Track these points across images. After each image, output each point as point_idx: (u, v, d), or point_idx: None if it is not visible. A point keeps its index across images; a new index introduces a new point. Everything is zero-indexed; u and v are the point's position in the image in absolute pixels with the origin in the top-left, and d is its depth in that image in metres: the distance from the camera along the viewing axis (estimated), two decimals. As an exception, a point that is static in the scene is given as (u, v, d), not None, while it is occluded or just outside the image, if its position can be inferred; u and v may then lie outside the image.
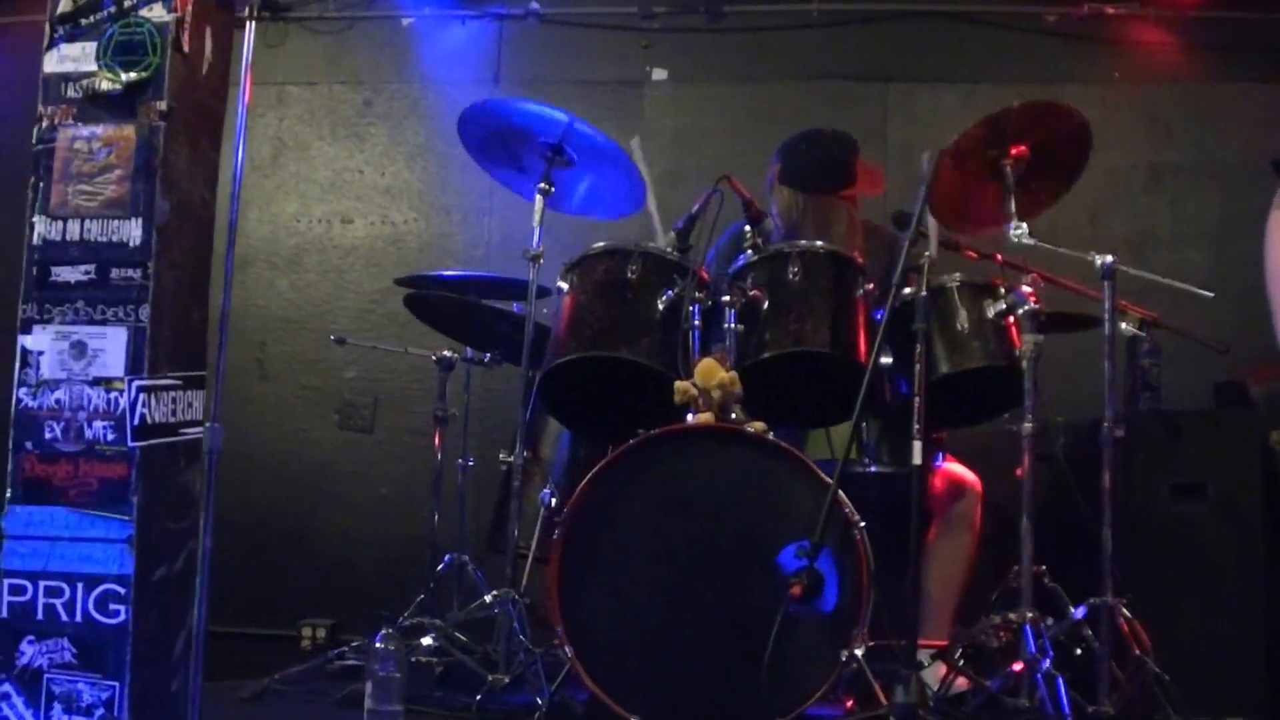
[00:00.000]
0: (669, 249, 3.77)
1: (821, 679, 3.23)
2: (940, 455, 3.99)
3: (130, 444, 2.75)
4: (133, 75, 2.79)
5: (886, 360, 3.56)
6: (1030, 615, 3.36)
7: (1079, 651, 3.42)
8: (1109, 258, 3.50)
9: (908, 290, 3.53)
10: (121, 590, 2.72)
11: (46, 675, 2.74)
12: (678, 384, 3.47)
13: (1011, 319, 3.59)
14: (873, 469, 3.82)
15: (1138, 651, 3.34)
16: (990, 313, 3.64)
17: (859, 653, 3.23)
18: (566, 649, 3.31)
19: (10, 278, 2.92)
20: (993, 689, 3.39)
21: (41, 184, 2.83)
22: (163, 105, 2.79)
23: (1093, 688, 3.33)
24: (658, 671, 3.30)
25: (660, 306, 3.63)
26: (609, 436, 3.81)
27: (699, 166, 5.24)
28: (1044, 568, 3.52)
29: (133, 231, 2.78)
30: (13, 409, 2.80)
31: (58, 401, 2.79)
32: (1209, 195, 5.15)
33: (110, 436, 2.76)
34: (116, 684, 2.71)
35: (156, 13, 2.81)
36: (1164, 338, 4.14)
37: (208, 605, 2.87)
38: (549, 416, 4.13)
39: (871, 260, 3.82)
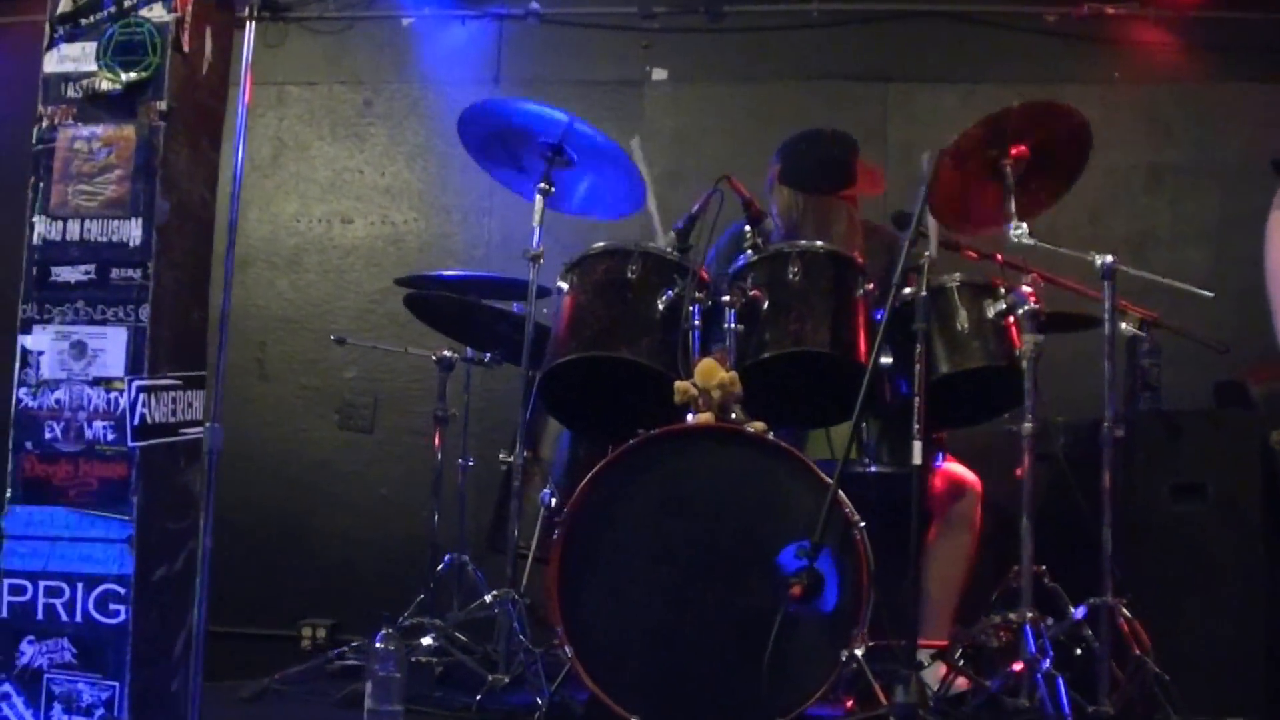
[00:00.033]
0: (669, 249, 3.76)
1: (821, 679, 3.23)
2: (940, 455, 3.99)
3: (130, 444, 2.74)
4: (133, 75, 2.79)
5: (886, 360, 3.56)
6: (1030, 615, 3.36)
7: (1079, 651, 3.42)
8: (1109, 258, 3.50)
9: (908, 290, 3.53)
10: (121, 590, 2.72)
11: (46, 675, 2.74)
12: (678, 384, 3.47)
13: (1011, 319, 3.59)
14: (872, 469, 3.82)
15: (1138, 651, 3.34)
16: (990, 313, 3.63)
17: (859, 653, 3.23)
18: (567, 649, 3.31)
19: (10, 278, 2.92)
20: (993, 689, 3.39)
21: (41, 184, 2.82)
22: (163, 105, 2.78)
23: (1093, 688, 3.33)
24: (658, 671, 3.30)
25: (660, 306, 3.63)
26: (609, 436, 3.81)
27: (699, 166, 5.24)
28: (1044, 568, 3.51)
29: (133, 231, 2.78)
30: (13, 409, 2.80)
31: (58, 401, 2.78)
32: (1209, 195, 5.15)
33: (110, 436, 2.76)
34: (116, 684, 2.71)
35: (156, 13, 2.81)
36: (1163, 338, 4.14)
37: (207, 605, 2.87)
38: (549, 416, 4.13)
39: (871, 260, 3.82)
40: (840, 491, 3.26)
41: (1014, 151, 3.59)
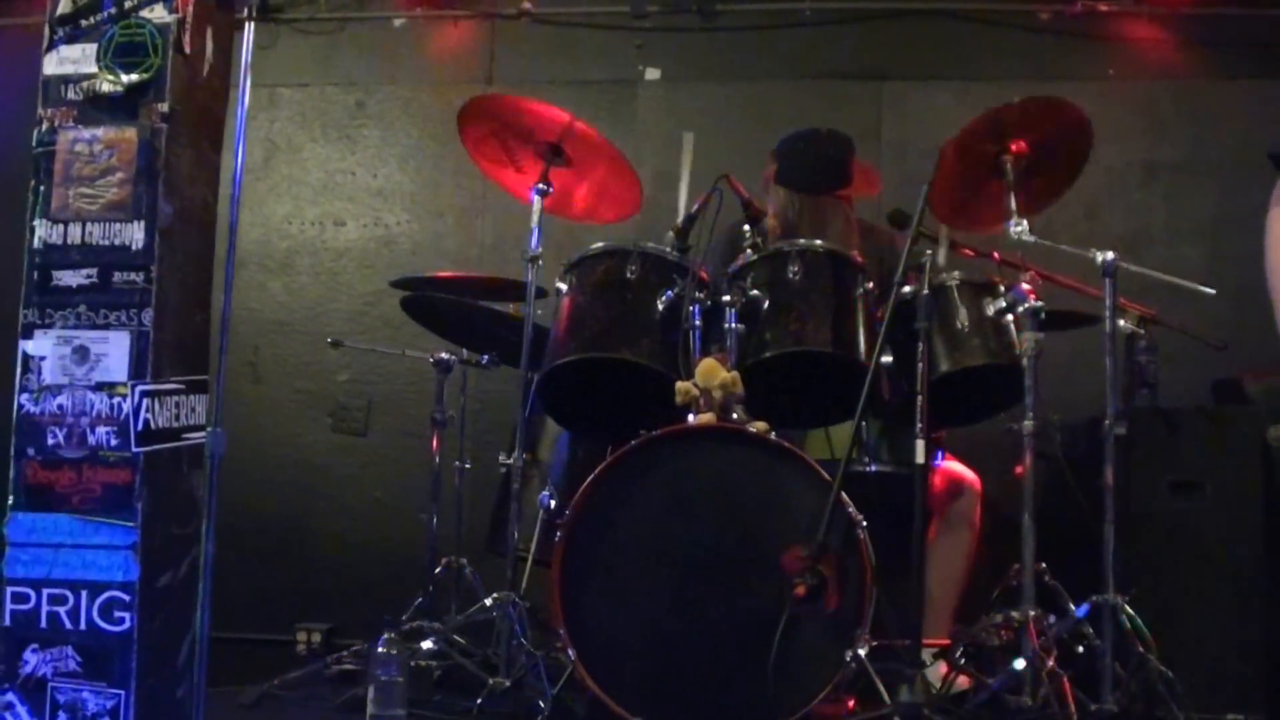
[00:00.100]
0: (668, 249, 3.75)
1: (825, 679, 3.23)
2: (939, 454, 3.99)
3: (134, 449, 2.72)
4: (134, 77, 2.76)
5: (886, 359, 3.55)
6: (1033, 613, 3.35)
7: (1080, 650, 3.42)
8: (1110, 254, 3.50)
9: (908, 289, 3.52)
10: (126, 597, 2.69)
11: (51, 684, 2.71)
12: (679, 384, 3.46)
13: (1011, 317, 3.59)
14: (872, 468, 3.81)
15: (1141, 649, 3.34)
16: (990, 311, 3.64)
17: (862, 653, 3.22)
18: (569, 651, 3.29)
19: (10, 282, 2.90)
20: (995, 687, 3.38)
21: (42, 187, 2.80)
22: (164, 107, 2.76)
23: (1095, 685, 3.33)
24: (661, 673, 3.30)
25: (660, 307, 3.62)
26: (608, 438, 3.80)
27: (694, 165, 5.22)
28: (1043, 565, 3.51)
29: (135, 235, 2.75)
30: (14, 415, 2.77)
31: (60, 407, 2.75)
32: (1204, 192, 5.15)
33: (114, 442, 2.73)
34: (122, 692, 2.68)
35: (157, 14, 2.78)
36: (1160, 335, 4.14)
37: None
38: (546, 418, 4.12)
39: (868, 260, 3.81)
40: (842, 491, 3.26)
41: (1014, 148, 3.59)
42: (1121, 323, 3.81)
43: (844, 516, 3.28)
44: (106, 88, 2.79)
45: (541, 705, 3.39)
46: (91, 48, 2.81)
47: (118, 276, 2.75)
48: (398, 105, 5.60)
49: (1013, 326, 3.59)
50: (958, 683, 3.58)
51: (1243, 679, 3.84)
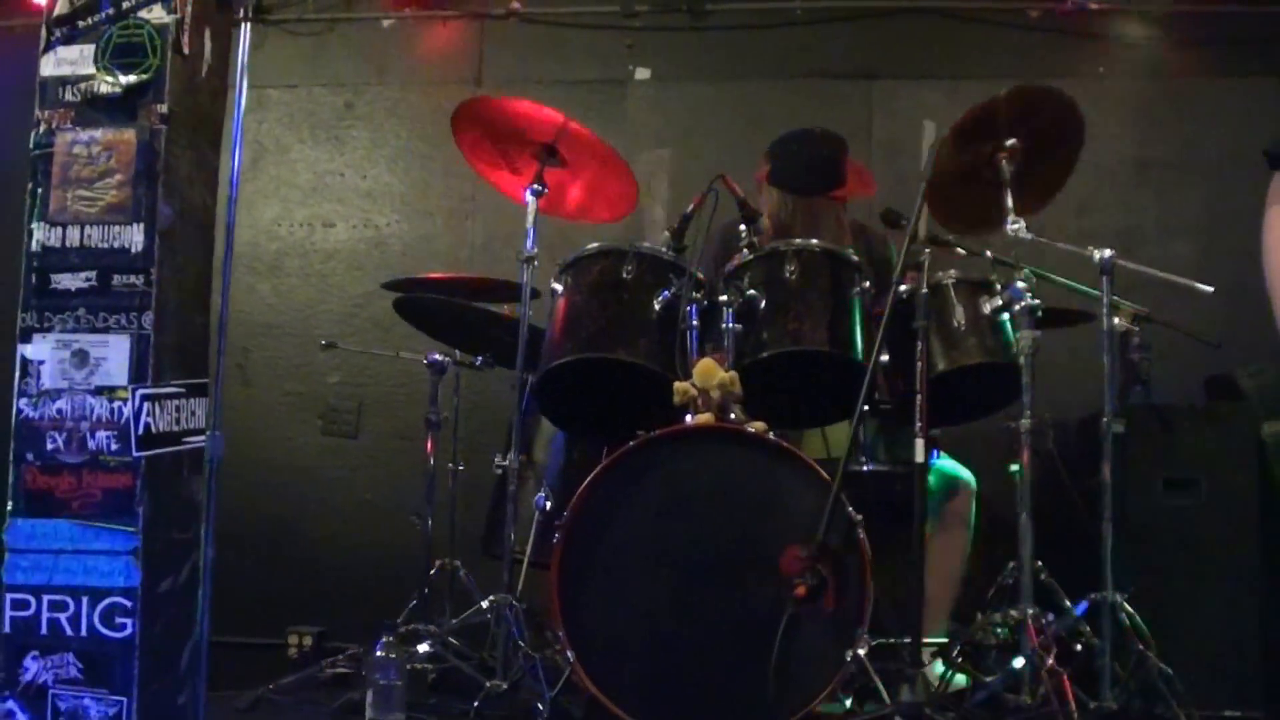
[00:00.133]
0: (664, 248, 3.74)
1: (825, 679, 3.22)
2: (935, 452, 3.99)
3: (135, 454, 2.70)
4: (133, 78, 2.74)
5: (883, 358, 3.55)
6: (1032, 611, 3.36)
7: (1078, 647, 3.43)
8: (1107, 252, 3.51)
9: (904, 288, 3.52)
10: (128, 603, 2.68)
11: (51, 691, 2.69)
12: (677, 385, 3.45)
13: (1007, 315, 3.59)
14: (868, 467, 3.81)
15: (1141, 646, 3.35)
16: (986, 309, 3.64)
17: (862, 652, 3.22)
18: (568, 653, 3.28)
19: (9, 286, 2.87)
20: (994, 686, 3.38)
21: (40, 189, 2.77)
22: (163, 108, 2.74)
23: (1093, 683, 3.34)
24: (660, 674, 3.28)
25: (656, 307, 3.61)
26: (605, 439, 3.79)
27: (684, 166, 5.23)
28: (1039, 563, 3.51)
29: (134, 237, 2.73)
30: (13, 420, 2.74)
31: (59, 411, 2.73)
32: (1195, 189, 5.16)
33: (114, 447, 2.71)
34: (124, 699, 2.66)
35: (156, 14, 2.76)
36: (1151, 331, 4.15)
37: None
38: (541, 419, 4.10)
39: (861, 260, 3.81)
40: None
41: (1008, 144, 3.59)
42: (1116, 320, 3.82)
43: (843, 516, 3.27)
44: (105, 89, 2.77)
45: (540, 708, 3.38)
46: (89, 49, 2.79)
47: (117, 279, 2.73)
48: (386, 106, 5.57)
49: (1009, 324, 3.59)
50: (955, 681, 3.59)
51: (1240, 675, 3.86)
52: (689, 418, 3.45)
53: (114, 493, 2.70)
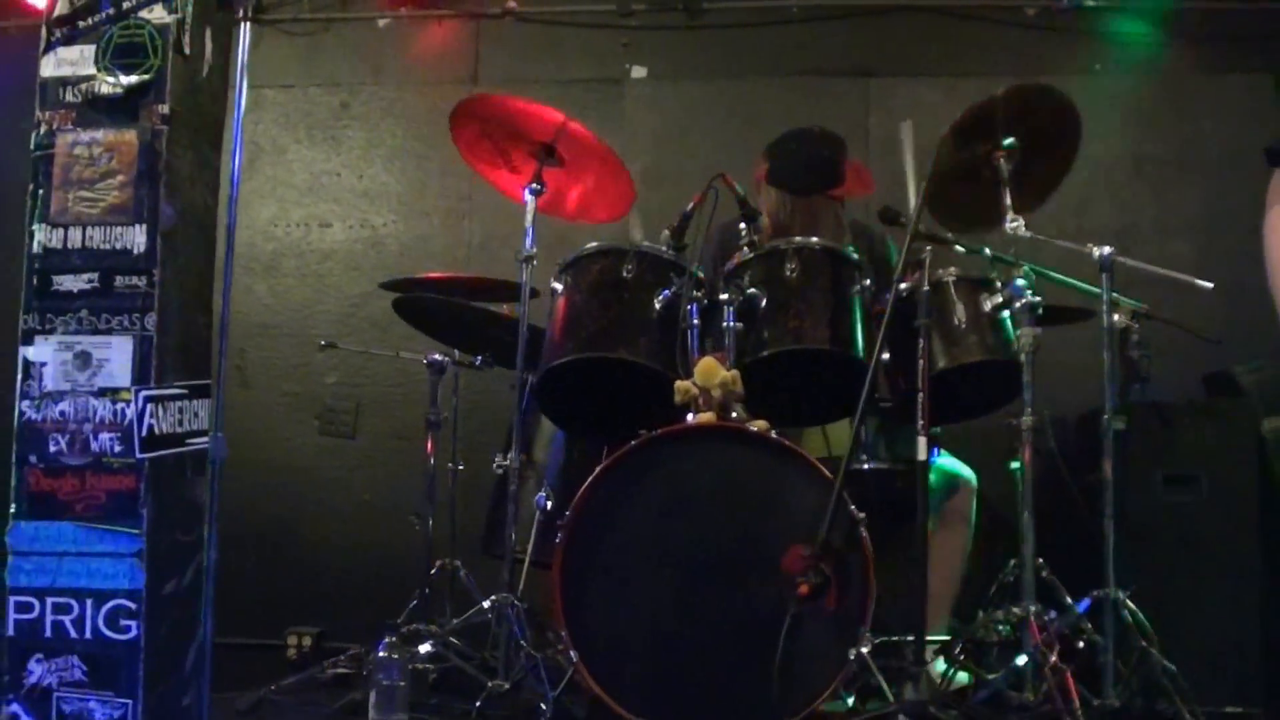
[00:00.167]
0: (664, 247, 3.73)
1: (828, 678, 3.22)
2: (935, 450, 3.99)
3: (138, 455, 2.69)
4: (134, 78, 2.74)
5: (884, 356, 3.55)
6: (1035, 609, 3.35)
7: (1081, 644, 3.43)
8: (1107, 249, 3.52)
9: (905, 285, 3.52)
10: (132, 605, 2.68)
11: (56, 694, 2.69)
12: (678, 384, 3.44)
13: (1008, 312, 3.60)
14: (869, 465, 3.80)
15: (1144, 643, 3.35)
16: (987, 306, 3.64)
17: (865, 651, 3.21)
18: (572, 653, 3.27)
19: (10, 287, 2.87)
20: (997, 684, 3.38)
21: (41, 191, 2.77)
22: (165, 108, 2.74)
23: (1095, 680, 3.34)
24: (663, 674, 3.28)
25: (657, 306, 3.60)
26: (605, 438, 3.78)
27: (680, 164, 5.23)
28: (1040, 560, 3.51)
29: (136, 238, 2.73)
30: (15, 422, 2.74)
31: (62, 413, 2.73)
32: (1192, 186, 5.16)
33: (117, 448, 2.70)
34: (129, 701, 2.66)
35: (157, 14, 2.76)
36: (1149, 328, 4.14)
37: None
38: (541, 419, 4.10)
39: (862, 258, 3.81)
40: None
41: (1005, 144, 3.59)
42: (1116, 317, 3.82)
43: (846, 514, 3.27)
44: (106, 89, 2.77)
45: (543, 708, 3.37)
46: (90, 49, 2.79)
47: (119, 280, 2.73)
48: (382, 106, 5.56)
49: (1009, 322, 3.59)
50: (957, 679, 3.59)
51: (1240, 671, 3.86)
52: (690, 417, 3.45)
53: (118, 495, 2.70)
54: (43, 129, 2.79)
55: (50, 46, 2.80)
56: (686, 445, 3.40)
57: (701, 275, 3.71)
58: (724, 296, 3.58)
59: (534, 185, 3.93)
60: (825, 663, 3.23)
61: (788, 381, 3.69)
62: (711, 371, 3.42)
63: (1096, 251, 3.52)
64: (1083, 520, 3.62)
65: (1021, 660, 3.33)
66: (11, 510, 2.73)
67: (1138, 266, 3.66)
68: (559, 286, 3.73)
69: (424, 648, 3.82)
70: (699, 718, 3.27)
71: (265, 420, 5.40)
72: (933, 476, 3.98)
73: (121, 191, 2.73)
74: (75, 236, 2.76)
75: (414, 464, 4.50)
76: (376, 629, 3.43)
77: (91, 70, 2.78)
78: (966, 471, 4.11)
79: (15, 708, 2.68)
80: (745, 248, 3.71)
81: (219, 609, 3.33)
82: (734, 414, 3.45)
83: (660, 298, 3.60)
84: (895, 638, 3.58)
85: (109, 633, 2.68)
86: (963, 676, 3.59)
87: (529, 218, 3.90)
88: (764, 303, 3.57)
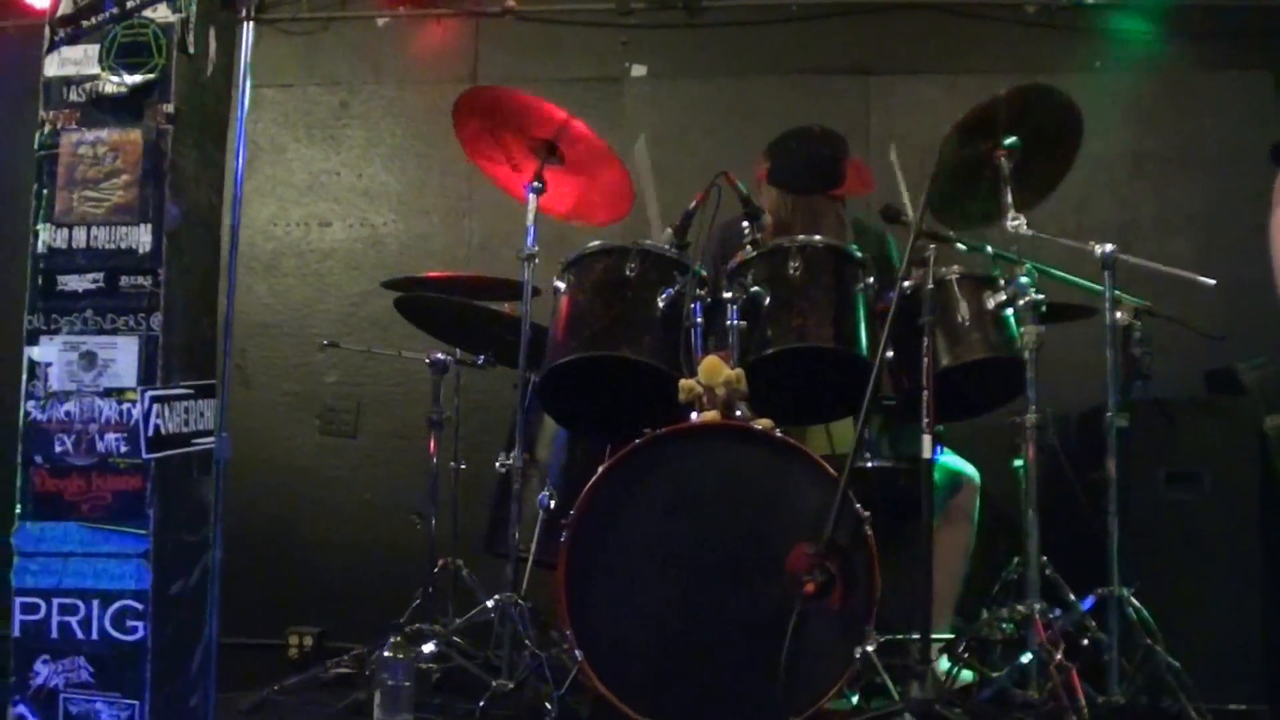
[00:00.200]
0: (667, 245, 3.73)
1: (834, 676, 3.22)
2: (938, 447, 3.98)
3: (145, 455, 2.68)
4: (138, 77, 2.73)
5: (887, 354, 3.54)
6: (1039, 606, 3.35)
7: (1085, 642, 3.43)
8: (1109, 246, 3.52)
9: (908, 284, 3.52)
10: (139, 606, 2.67)
11: (62, 695, 2.68)
12: (682, 382, 3.44)
13: (1011, 310, 3.59)
14: (872, 463, 3.80)
15: (1149, 640, 3.35)
16: (990, 304, 3.64)
17: (871, 649, 3.21)
18: (576, 652, 3.27)
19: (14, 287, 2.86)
20: (1002, 681, 3.38)
21: (45, 191, 2.76)
22: (169, 107, 2.73)
23: (1099, 678, 3.34)
24: (668, 673, 3.28)
25: (660, 304, 3.60)
26: (608, 437, 3.78)
27: (680, 163, 5.21)
28: (1044, 558, 3.51)
29: (142, 238, 2.72)
30: (20, 422, 2.73)
31: (68, 414, 2.72)
32: (1192, 182, 5.16)
33: (123, 449, 2.70)
34: (136, 702, 2.65)
35: (161, 13, 2.75)
36: (1152, 326, 4.14)
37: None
38: (543, 417, 4.09)
39: (865, 256, 3.80)
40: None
41: (1007, 143, 3.59)
42: (1118, 314, 3.82)
43: (851, 512, 3.27)
44: (110, 89, 2.76)
45: (549, 707, 3.37)
46: (94, 49, 2.78)
47: (125, 280, 2.72)
48: (382, 105, 5.55)
49: (1013, 319, 3.60)
50: (961, 677, 3.59)
51: (1243, 668, 3.86)
52: (694, 415, 3.45)
53: (124, 495, 2.69)
54: (46, 128, 2.78)
55: (54, 46, 2.79)
56: (691, 444, 3.40)
57: (705, 274, 3.70)
58: (728, 295, 3.57)
59: (535, 183, 3.91)
60: (831, 661, 3.23)
61: (792, 380, 3.69)
62: (715, 370, 3.42)
63: (1099, 249, 3.53)
64: (1085, 518, 3.62)
65: (1026, 658, 3.32)
66: (17, 511, 2.73)
67: (1140, 264, 3.66)
68: (562, 285, 3.72)
69: (427, 647, 3.82)
70: (704, 717, 3.27)
71: (266, 420, 5.39)
72: (935, 474, 3.99)
73: (126, 191, 2.72)
74: (80, 236, 2.75)
75: (415, 463, 4.49)
76: (378, 629, 3.42)
77: (95, 69, 2.77)
78: (969, 469, 4.11)
79: (22, 709, 2.68)
80: (748, 246, 3.70)
81: (220, 609, 3.33)
82: (738, 412, 3.45)
83: (664, 296, 3.60)
84: (900, 636, 3.58)
85: (116, 633, 2.68)
86: (966, 675, 3.60)
87: (530, 216, 3.89)
88: (768, 301, 3.57)
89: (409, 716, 3.29)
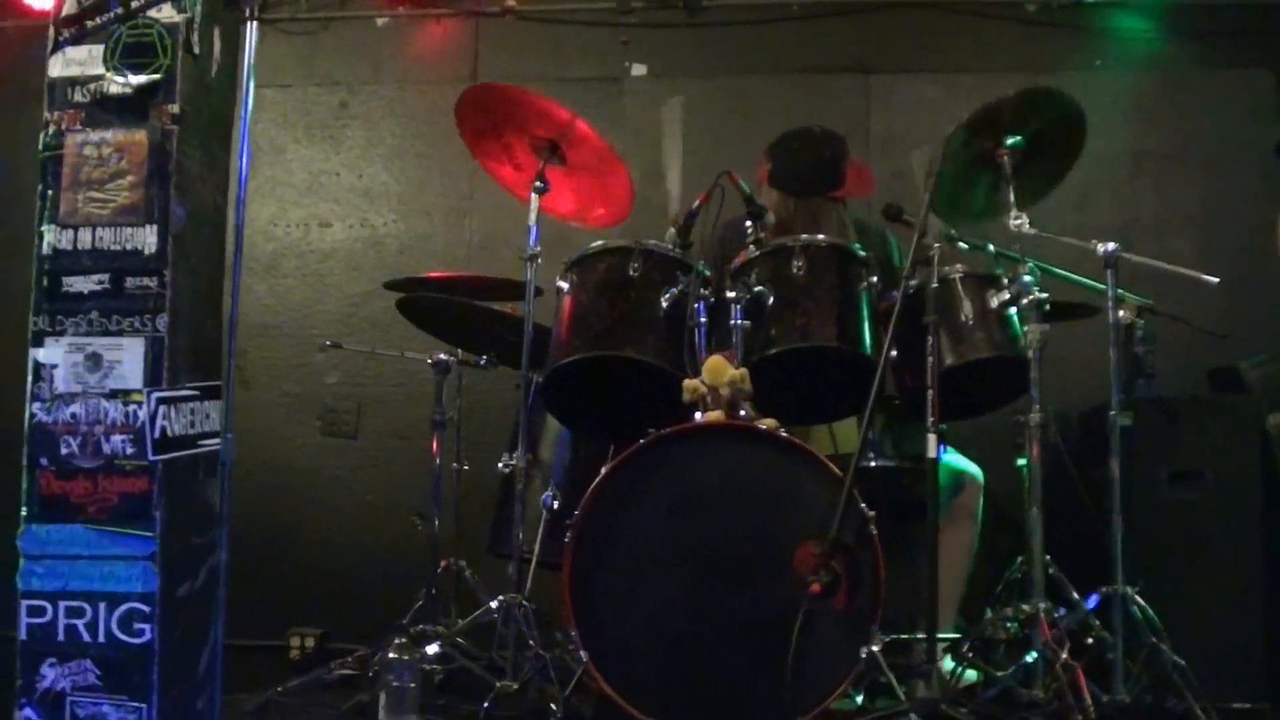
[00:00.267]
0: (670, 245, 3.72)
1: (839, 676, 3.21)
2: (941, 447, 3.98)
3: (151, 457, 2.67)
4: (143, 78, 2.72)
5: (891, 354, 3.54)
6: (1044, 605, 3.35)
7: (1089, 641, 3.43)
8: (1112, 245, 3.52)
9: (913, 282, 3.52)
10: (146, 608, 2.66)
11: (69, 698, 2.67)
12: (687, 382, 3.44)
13: (1014, 309, 3.59)
14: (876, 463, 3.80)
15: (1154, 639, 3.35)
16: (994, 303, 3.64)
17: (876, 649, 3.21)
18: (582, 653, 3.26)
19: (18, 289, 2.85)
20: (1007, 681, 3.38)
21: (50, 192, 2.75)
22: (174, 108, 2.72)
23: (1103, 676, 3.34)
24: (674, 673, 3.27)
25: (664, 304, 3.59)
26: (612, 437, 3.78)
27: (680, 162, 5.21)
28: (1048, 557, 3.51)
29: (147, 239, 2.71)
30: (26, 424, 2.72)
31: (73, 416, 2.71)
32: (1193, 181, 5.15)
33: (129, 451, 2.69)
34: (144, 706, 2.64)
35: (165, 13, 2.74)
36: (1154, 324, 4.14)
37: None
38: (546, 417, 4.08)
39: (869, 255, 3.80)
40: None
41: (1009, 143, 3.59)
42: (1121, 313, 3.82)
43: (856, 512, 3.26)
44: (115, 89, 2.75)
45: (554, 708, 3.36)
46: (98, 49, 2.77)
47: (130, 281, 2.71)
48: (382, 105, 5.55)
49: (1016, 318, 3.59)
50: (965, 676, 3.58)
51: (1245, 667, 3.86)
52: (699, 415, 3.44)
53: (131, 497, 2.68)
54: (51, 129, 2.77)
55: (58, 46, 2.78)
56: (695, 444, 3.39)
57: (708, 273, 3.70)
58: (731, 294, 3.56)
59: (538, 183, 3.91)
60: (836, 661, 3.23)
61: (796, 379, 3.69)
62: (719, 369, 3.41)
63: (1101, 248, 3.53)
64: (1088, 516, 3.62)
65: (1031, 657, 3.32)
66: (23, 513, 2.72)
67: (1142, 262, 3.66)
68: (565, 285, 3.72)
69: (431, 648, 3.81)
70: (709, 717, 3.27)
71: (266, 421, 5.37)
72: (939, 474, 3.99)
73: (132, 192, 2.71)
74: (85, 237, 2.74)
75: (416, 464, 4.49)
76: (379, 630, 3.42)
77: (100, 70, 2.76)
78: (973, 468, 4.11)
79: (28, 712, 2.67)
80: (752, 245, 3.70)
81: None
82: (742, 412, 3.44)
83: (667, 296, 3.59)
84: (905, 635, 3.58)
85: (123, 636, 2.67)
86: (971, 674, 3.59)
87: (532, 216, 3.88)
88: (771, 300, 3.56)
89: (414, 718, 3.28)
